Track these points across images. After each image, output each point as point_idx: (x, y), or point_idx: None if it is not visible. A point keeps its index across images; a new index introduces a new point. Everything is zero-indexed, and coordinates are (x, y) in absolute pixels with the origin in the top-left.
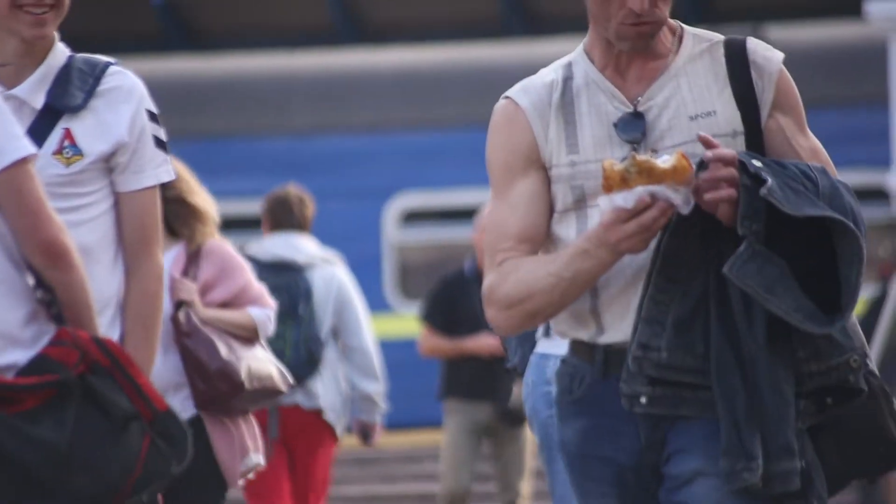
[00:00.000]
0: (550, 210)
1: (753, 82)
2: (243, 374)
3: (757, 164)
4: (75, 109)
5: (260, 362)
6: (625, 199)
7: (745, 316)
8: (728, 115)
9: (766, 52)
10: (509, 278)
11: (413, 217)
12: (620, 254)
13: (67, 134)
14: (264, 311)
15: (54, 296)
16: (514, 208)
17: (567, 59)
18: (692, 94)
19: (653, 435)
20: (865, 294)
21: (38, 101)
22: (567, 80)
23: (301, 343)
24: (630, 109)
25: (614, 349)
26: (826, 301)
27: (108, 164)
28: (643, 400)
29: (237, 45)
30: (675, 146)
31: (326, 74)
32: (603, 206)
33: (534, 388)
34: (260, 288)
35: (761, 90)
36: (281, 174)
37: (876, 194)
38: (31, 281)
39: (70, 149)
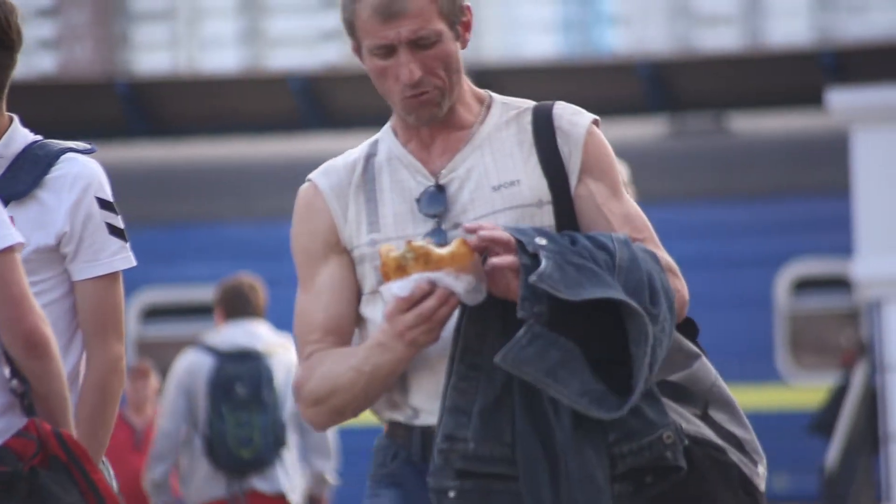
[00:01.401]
0: (358, 294)
1: (559, 149)
2: None
3: (540, 241)
4: (18, 196)
5: None
6: (401, 287)
7: (552, 401)
8: (533, 183)
9: (572, 117)
10: (314, 373)
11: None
12: (415, 345)
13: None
14: None
15: (28, 387)
16: (318, 298)
17: (375, 136)
18: (496, 164)
19: None
20: (829, 382)
21: None
22: (370, 157)
23: (269, 428)
24: (432, 183)
25: (432, 431)
26: (625, 383)
27: (59, 252)
28: (451, 494)
29: (201, 132)
30: (480, 218)
31: (290, 160)
32: (384, 296)
33: None
34: None
35: (568, 156)
36: (245, 260)
37: (838, 283)
38: (6, 372)
39: None
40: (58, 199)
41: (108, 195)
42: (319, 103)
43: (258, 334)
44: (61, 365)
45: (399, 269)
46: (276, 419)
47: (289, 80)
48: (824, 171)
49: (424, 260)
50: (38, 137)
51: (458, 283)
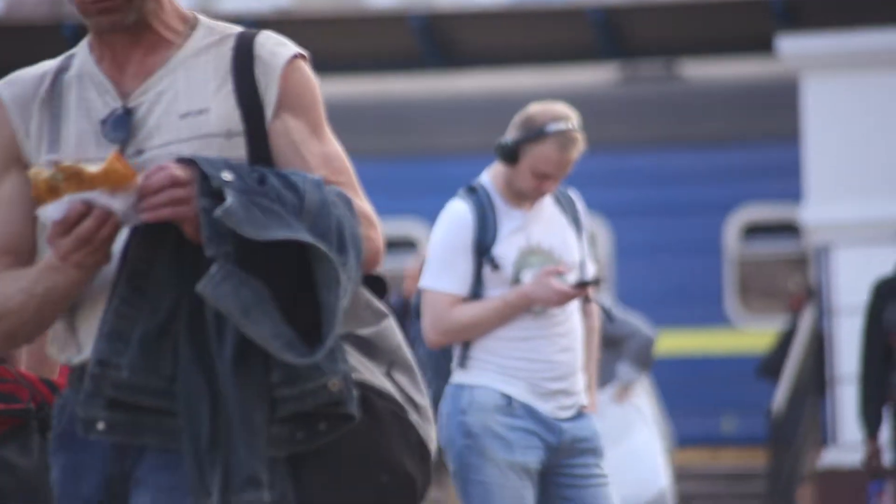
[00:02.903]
0: None
1: (257, 79)
2: None
3: (227, 177)
4: None
5: None
6: (55, 209)
7: (218, 337)
8: (223, 113)
9: (275, 47)
10: None
11: None
12: (83, 268)
13: None
14: None
15: None
16: None
17: (73, 50)
18: (188, 90)
19: (118, 467)
20: (777, 326)
21: None
22: (61, 71)
23: None
24: (120, 105)
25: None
26: (314, 327)
27: None
28: (100, 426)
29: None
30: (164, 146)
31: None
32: (42, 220)
33: (448, 419)
34: None
35: (265, 88)
36: None
37: (787, 228)
38: None
39: None
40: None
41: None
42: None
43: None
44: None
45: (51, 191)
46: None
47: None
48: (774, 117)
49: (77, 180)
50: None
51: (116, 202)
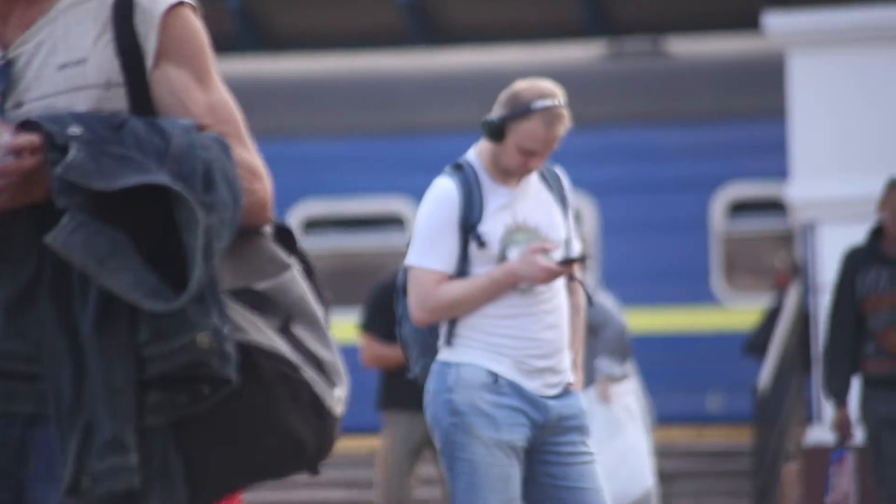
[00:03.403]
0: None
1: (136, 27)
2: None
3: (74, 131)
4: None
5: None
6: None
7: (82, 296)
8: (102, 63)
9: None
10: None
11: (314, 225)
12: None
13: None
14: None
15: None
16: None
17: None
18: (67, 40)
19: (11, 433)
20: (763, 304)
21: None
22: None
23: None
24: (0, 56)
25: None
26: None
27: None
28: None
29: None
30: (41, 98)
31: (228, 82)
32: None
33: (435, 396)
34: None
35: (144, 36)
36: None
37: (773, 205)
38: None
39: None
40: None
41: None
42: (258, 24)
43: None
44: None
45: None
46: None
47: None
48: (760, 94)
49: None
50: None
51: None
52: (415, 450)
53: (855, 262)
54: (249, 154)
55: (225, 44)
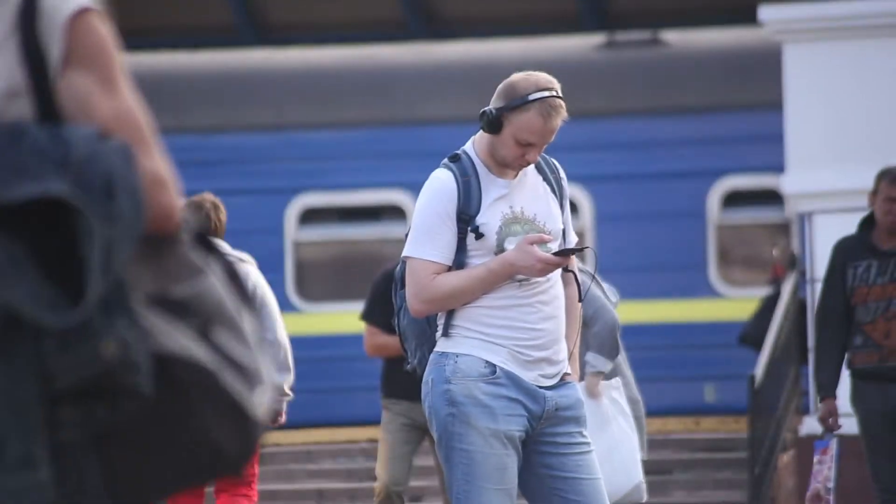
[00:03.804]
0: None
1: (40, 33)
2: None
3: None
4: None
5: None
6: None
7: None
8: (5, 72)
9: (58, 1)
10: None
11: (313, 216)
12: None
13: None
14: None
15: None
16: None
17: None
18: None
19: None
20: (760, 294)
21: None
22: None
23: None
24: None
25: None
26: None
27: None
28: None
29: (139, 45)
30: None
31: (228, 74)
32: None
33: (432, 387)
34: None
35: (48, 43)
36: (181, 173)
37: (770, 197)
38: None
39: None
40: None
41: None
42: (256, 17)
43: None
44: None
45: None
46: None
47: None
48: (757, 85)
49: None
50: None
51: None
52: (415, 435)
53: (845, 253)
54: (155, 162)
55: (224, 36)
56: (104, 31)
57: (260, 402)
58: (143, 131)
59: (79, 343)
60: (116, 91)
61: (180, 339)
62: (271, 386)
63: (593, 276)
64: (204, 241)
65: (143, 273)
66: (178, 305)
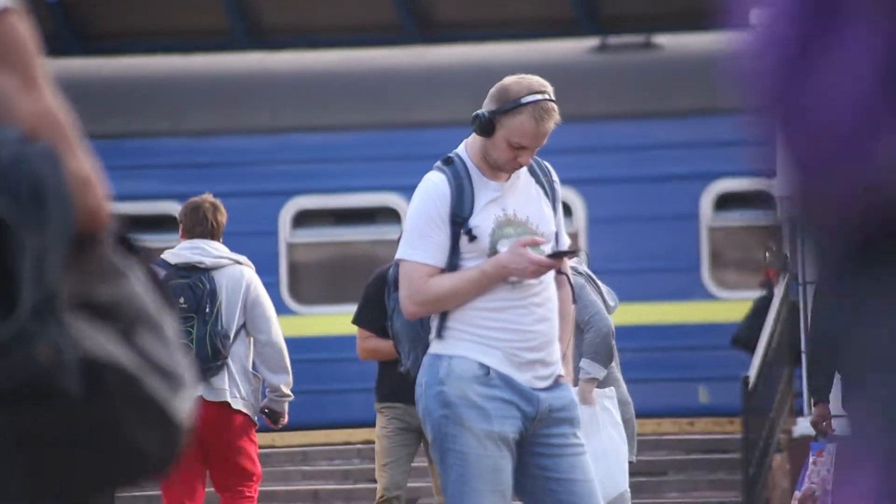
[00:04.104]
0: None
1: None
2: None
3: None
4: None
5: None
6: None
7: None
8: None
9: None
10: None
11: (306, 218)
12: None
13: None
14: None
15: None
16: None
17: None
18: None
19: None
20: (753, 296)
21: None
22: None
23: (206, 339)
24: None
25: None
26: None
27: None
28: None
29: (134, 48)
30: None
31: (222, 77)
32: None
33: (426, 389)
34: None
35: None
36: (176, 176)
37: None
38: None
39: None
40: None
41: None
42: (251, 20)
43: (207, 250)
44: None
45: None
46: (216, 331)
47: None
48: None
49: None
50: None
51: None
52: (411, 438)
53: None
54: (80, 163)
55: (218, 39)
56: (24, 31)
57: (183, 406)
58: (65, 131)
59: (14, 348)
60: (37, 91)
61: (104, 343)
62: (193, 389)
63: (594, 280)
64: (125, 242)
65: (66, 275)
66: (100, 308)
